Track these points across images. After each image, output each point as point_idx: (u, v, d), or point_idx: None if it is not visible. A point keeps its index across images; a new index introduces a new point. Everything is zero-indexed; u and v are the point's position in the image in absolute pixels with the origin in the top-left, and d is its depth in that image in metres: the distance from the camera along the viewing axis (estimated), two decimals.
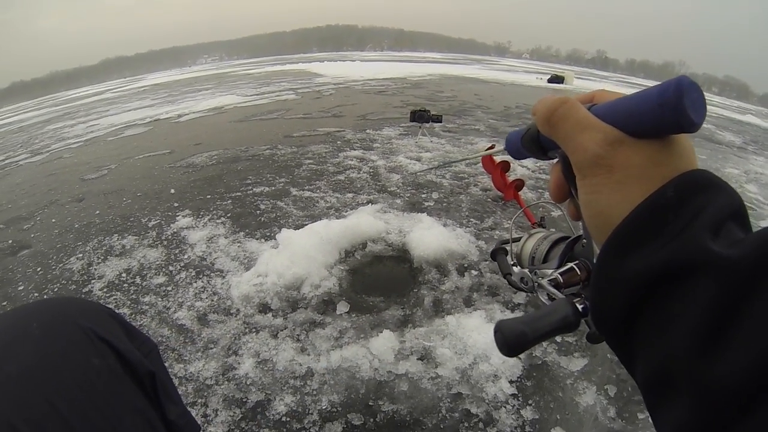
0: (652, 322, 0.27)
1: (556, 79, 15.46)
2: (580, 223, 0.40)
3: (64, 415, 0.46)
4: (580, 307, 0.38)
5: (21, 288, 2.33)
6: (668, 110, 0.28)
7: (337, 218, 2.76)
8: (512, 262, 0.55)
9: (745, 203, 0.29)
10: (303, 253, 2.07)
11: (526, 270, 0.50)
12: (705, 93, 0.29)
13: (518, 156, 0.44)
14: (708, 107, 0.30)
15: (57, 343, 0.52)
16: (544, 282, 0.43)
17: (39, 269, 2.50)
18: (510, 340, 0.36)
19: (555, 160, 0.40)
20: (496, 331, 0.37)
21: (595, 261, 0.32)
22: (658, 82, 0.30)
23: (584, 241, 0.43)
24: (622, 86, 19.98)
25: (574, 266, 0.42)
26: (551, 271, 0.43)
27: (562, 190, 0.39)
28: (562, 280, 0.41)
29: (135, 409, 0.54)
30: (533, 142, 0.40)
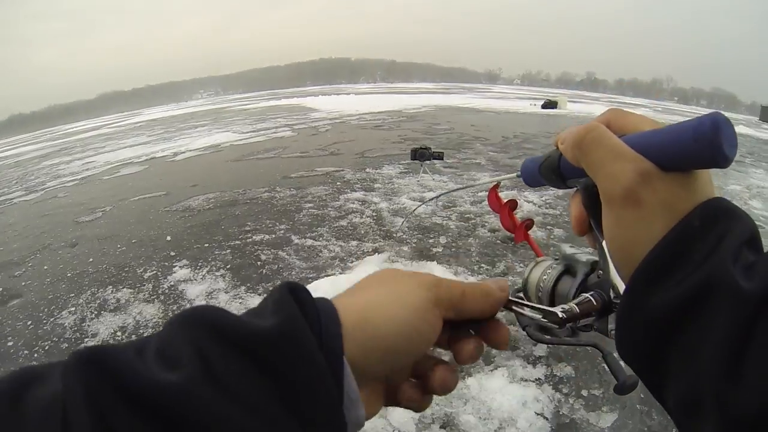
0: (680, 350, 0.27)
1: (550, 104, 15.38)
2: (598, 254, 0.40)
3: None
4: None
5: (11, 343, 2.20)
6: (704, 146, 0.28)
7: (342, 270, 2.67)
8: (519, 294, 0.53)
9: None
10: None
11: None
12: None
13: (534, 184, 0.45)
14: None
15: None
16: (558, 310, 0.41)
17: (29, 322, 2.37)
18: None
19: (573, 190, 0.41)
20: None
21: (612, 293, 0.36)
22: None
23: (600, 272, 0.42)
24: (613, 105, 20.46)
25: (590, 297, 0.41)
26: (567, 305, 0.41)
27: (584, 223, 0.40)
28: (578, 311, 0.40)
29: None
30: (552, 170, 0.40)
